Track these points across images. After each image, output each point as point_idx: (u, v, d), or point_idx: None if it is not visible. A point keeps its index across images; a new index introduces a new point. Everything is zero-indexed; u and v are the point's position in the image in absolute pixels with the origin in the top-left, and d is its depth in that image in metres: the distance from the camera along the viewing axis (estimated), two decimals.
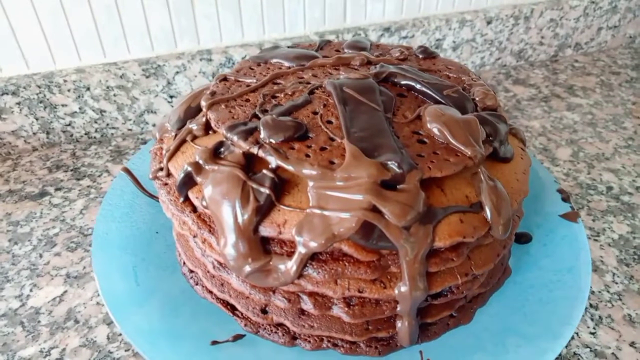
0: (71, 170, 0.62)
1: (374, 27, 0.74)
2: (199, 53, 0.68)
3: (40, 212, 0.56)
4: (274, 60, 0.42)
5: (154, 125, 0.70)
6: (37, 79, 0.62)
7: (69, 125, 0.66)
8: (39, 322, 0.43)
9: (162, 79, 0.67)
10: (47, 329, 0.43)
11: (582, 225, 0.43)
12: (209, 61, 0.68)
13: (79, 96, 0.64)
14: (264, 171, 0.32)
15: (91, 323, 0.43)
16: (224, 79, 0.40)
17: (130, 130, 0.69)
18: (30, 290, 0.46)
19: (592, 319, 0.43)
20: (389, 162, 0.31)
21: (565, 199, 0.45)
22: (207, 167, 0.33)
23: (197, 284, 0.39)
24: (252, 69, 0.42)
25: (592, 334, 0.42)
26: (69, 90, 0.63)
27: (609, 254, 0.50)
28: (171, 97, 0.68)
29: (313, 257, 0.32)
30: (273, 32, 0.71)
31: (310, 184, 0.32)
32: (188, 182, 0.34)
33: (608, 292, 0.46)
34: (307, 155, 0.32)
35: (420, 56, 0.44)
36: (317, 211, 0.31)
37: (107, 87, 0.65)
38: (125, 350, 0.41)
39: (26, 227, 0.54)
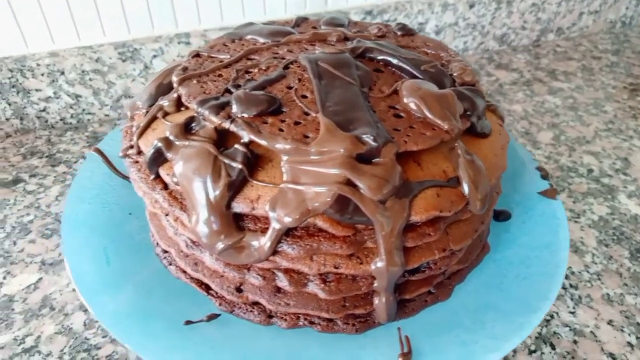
0: (46, 156, 0.61)
1: (356, 10, 0.73)
2: (177, 36, 0.66)
3: (14, 199, 0.54)
4: (249, 37, 0.41)
5: None
6: (9, 62, 0.60)
7: (44, 110, 0.64)
8: (12, 309, 0.42)
9: (139, 63, 0.65)
10: (21, 316, 0.42)
11: (561, 202, 0.43)
12: (187, 44, 0.66)
13: (53, 80, 0.62)
14: (236, 146, 0.31)
15: (67, 310, 0.42)
16: (197, 55, 0.39)
17: (107, 115, 0.67)
18: (4, 278, 0.45)
19: (571, 299, 0.43)
20: (364, 136, 0.30)
21: (545, 176, 0.44)
22: (177, 142, 0.32)
23: (170, 264, 0.38)
24: (226, 45, 0.41)
25: (572, 313, 0.42)
26: (42, 75, 0.62)
27: (588, 235, 0.50)
28: None
29: (288, 233, 0.31)
30: (253, 15, 0.70)
31: (284, 158, 0.31)
32: (158, 158, 0.33)
33: (587, 272, 0.46)
34: (281, 130, 0.31)
35: (399, 33, 0.43)
36: (291, 186, 0.30)
37: (82, 72, 0.63)
38: (103, 337, 0.40)
39: None
